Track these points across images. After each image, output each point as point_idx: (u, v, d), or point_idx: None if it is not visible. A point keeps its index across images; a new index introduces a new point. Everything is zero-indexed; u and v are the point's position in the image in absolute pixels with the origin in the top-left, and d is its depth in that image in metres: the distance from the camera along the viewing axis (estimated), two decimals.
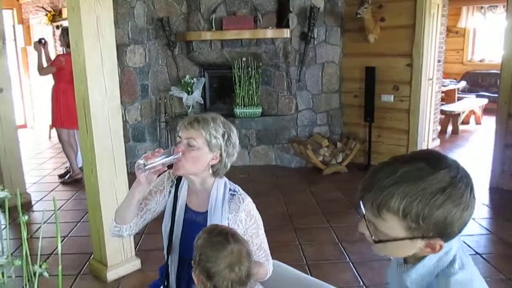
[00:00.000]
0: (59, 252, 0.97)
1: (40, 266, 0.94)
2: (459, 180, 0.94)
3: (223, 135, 1.63)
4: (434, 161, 0.96)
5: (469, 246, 3.39)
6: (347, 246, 3.41)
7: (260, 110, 5.45)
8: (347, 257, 3.25)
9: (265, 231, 1.75)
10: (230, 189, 1.70)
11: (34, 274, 0.94)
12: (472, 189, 0.96)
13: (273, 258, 1.89)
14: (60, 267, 0.97)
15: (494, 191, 4.59)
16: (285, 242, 3.51)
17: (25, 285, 0.95)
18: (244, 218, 1.66)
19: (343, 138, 5.61)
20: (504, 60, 4.47)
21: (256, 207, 1.73)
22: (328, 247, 3.43)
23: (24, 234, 0.95)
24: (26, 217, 0.96)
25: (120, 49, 5.25)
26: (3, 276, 0.89)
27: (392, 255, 1.11)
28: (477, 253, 3.30)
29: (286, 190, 4.78)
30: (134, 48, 5.33)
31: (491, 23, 9.17)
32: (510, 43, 4.36)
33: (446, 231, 0.96)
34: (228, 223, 1.63)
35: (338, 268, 3.13)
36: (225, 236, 1.30)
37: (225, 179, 1.73)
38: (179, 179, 1.76)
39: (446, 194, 0.92)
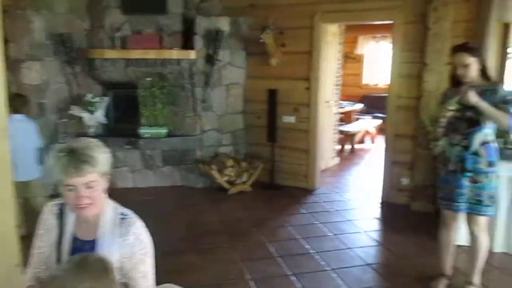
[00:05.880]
0: None
1: None
2: None
3: (107, 157, 1.58)
4: None
5: (360, 258, 3.65)
6: (249, 265, 3.49)
7: (166, 130, 5.37)
8: (249, 275, 3.32)
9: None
10: (121, 213, 1.65)
11: None
12: None
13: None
14: None
15: (385, 205, 4.96)
16: (189, 263, 3.47)
17: None
18: (132, 242, 1.61)
19: (248, 158, 5.74)
20: (390, 85, 4.93)
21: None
22: (230, 267, 3.47)
23: None
24: None
25: (15, 65, 4.95)
26: None
27: None
28: (367, 264, 3.56)
29: (192, 210, 4.78)
30: (30, 64, 5.05)
31: (384, 50, 9.98)
32: (394, 70, 4.83)
33: None
34: (118, 249, 1.59)
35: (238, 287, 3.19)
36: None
37: (113, 203, 1.68)
38: (61, 208, 1.65)
39: None
